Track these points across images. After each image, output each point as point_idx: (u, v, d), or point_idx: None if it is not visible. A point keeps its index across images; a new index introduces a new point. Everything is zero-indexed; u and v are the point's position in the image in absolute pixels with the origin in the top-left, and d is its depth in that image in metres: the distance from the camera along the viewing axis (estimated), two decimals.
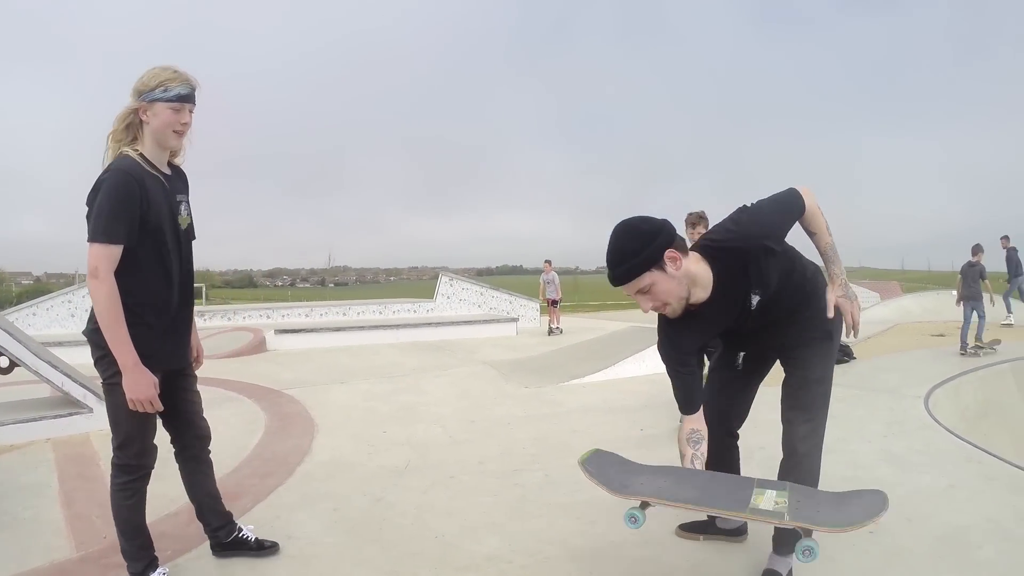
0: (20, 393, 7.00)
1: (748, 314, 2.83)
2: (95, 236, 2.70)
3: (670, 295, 2.65)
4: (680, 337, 2.88)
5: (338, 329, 13.92)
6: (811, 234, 2.84)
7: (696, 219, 5.82)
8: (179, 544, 3.62)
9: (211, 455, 3.43)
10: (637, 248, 2.59)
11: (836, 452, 5.03)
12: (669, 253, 2.58)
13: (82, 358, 9.08)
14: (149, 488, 4.45)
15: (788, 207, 2.75)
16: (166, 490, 4.47)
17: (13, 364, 5.95)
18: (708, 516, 3.47)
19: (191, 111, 2.92)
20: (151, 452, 3.07)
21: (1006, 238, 15.57)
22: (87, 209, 2.78)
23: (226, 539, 3.41)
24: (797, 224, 2.81)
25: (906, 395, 7.04)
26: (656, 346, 2.99)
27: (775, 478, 3.10)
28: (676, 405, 3.02)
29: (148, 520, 3.76)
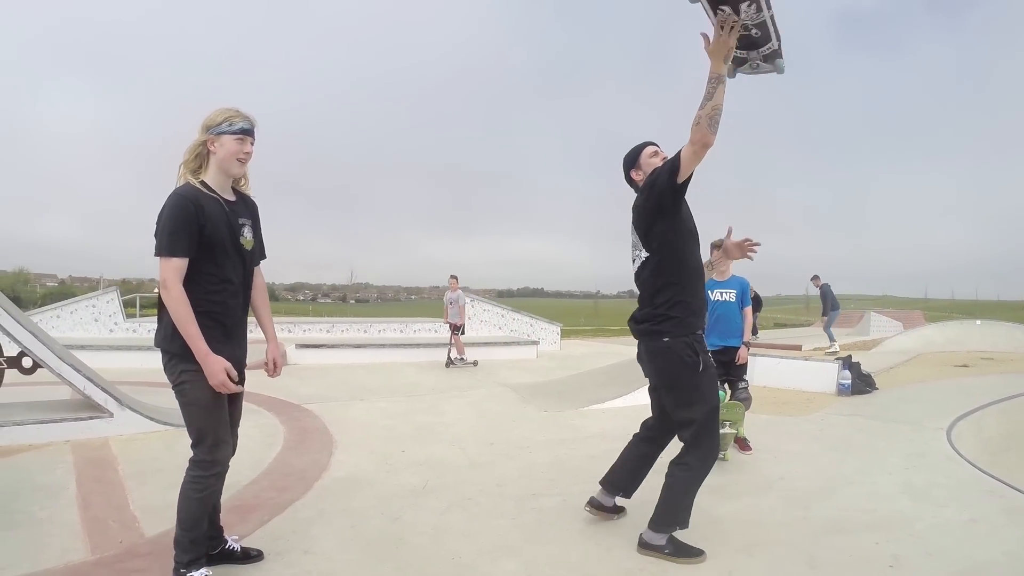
0: (41, 394, 7.02)
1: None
2: (160, 251, 3.04)
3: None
4: None
5: (359, 346, 13.90)
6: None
7: (720, 244, 5.85)
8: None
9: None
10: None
11: (856, 484, 4.95)
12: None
13: (104, 362, 9.12)
14: (168, 495, 4.45)
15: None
16: None
17: (36, 365, 5.99)
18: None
19: (252, 143, 3.28)
20: (224, 447, 3.25)
21: (816, 277, 16.74)
22: (155, 227, 3.09)
23: (213, 551, 3.43)
24: None
25: (928, 427, 6.91)
26: None
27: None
28: None
29: (163, 528, 3.79)
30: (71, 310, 15.14)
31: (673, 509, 3.66)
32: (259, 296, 3.53)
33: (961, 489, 4.84)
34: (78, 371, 6.03)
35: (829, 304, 16.74)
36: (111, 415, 6.05)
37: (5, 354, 6.01)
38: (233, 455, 3.42)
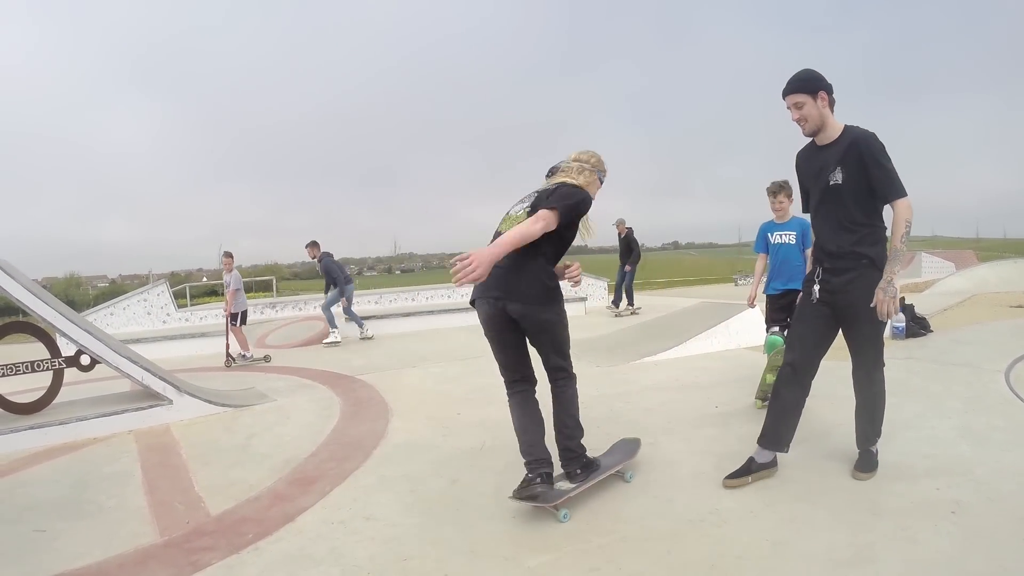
0: (102, 389, 7.21)
1: (827, 184, 3.71)
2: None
3: (810, 117, 3.64)
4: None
5: (408, 314, 13.94)
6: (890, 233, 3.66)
7: (777, 188, 5.62)
8: (260, 528, 3.64)
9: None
10: (812, 76, 3.64)
11: (914, 428, 4.80)
12: (823, 94, 3.61)
13: (160, 353, 9.26)
14: (230, 474, 4.56)
15: (889, 182, 3.55)
16: (246, 476, 4.56)
17: (94, 362, 6.11)
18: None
19: None
20: None
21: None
22: None
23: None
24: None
25: (985, 369, 6.66)
26: None
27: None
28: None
29: (228, 506, 3.84)
30: (124, 306, 15.44)
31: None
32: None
33: (1021, 433, 4.65)
34: (135, 363, 6.15)
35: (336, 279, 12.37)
36: (170, 402, 6.16)
37: (63, 354, 6.15)
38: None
